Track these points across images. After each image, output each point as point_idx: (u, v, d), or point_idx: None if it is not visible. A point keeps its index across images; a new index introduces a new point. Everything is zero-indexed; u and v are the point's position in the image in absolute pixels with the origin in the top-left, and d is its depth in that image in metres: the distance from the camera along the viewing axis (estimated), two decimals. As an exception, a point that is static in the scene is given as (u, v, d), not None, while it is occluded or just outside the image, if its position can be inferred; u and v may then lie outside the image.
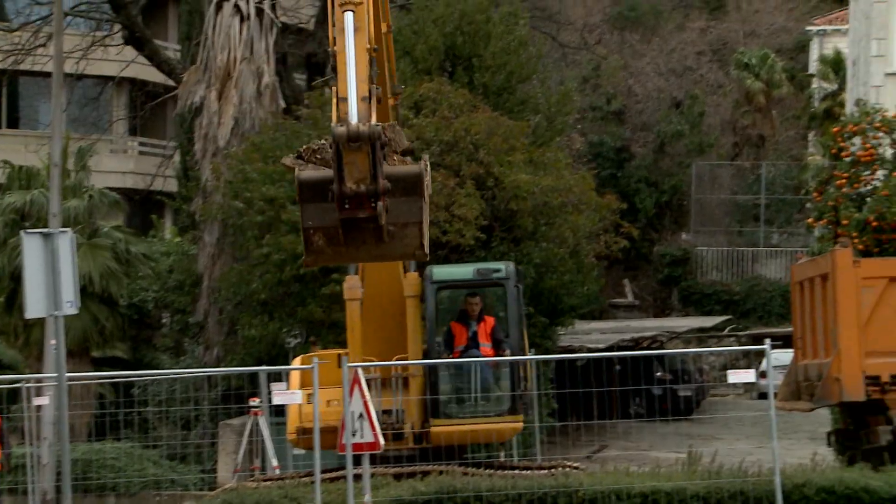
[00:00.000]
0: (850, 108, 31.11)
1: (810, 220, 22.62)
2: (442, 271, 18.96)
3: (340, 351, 17.83)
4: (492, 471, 17.41)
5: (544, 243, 26.02)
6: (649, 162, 47.88)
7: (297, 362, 18.97)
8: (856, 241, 19.48)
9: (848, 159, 20.96)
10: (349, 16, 12.68)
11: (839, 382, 17.32)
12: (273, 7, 30.53)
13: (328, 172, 12.88)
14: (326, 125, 26.83)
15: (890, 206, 19.39)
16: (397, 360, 17.78)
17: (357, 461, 15.21)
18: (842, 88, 45.39)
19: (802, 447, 23.36)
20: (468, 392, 18.30)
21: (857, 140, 21.21)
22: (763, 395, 31.97)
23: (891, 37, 28.84)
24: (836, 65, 48.38)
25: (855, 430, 18.34)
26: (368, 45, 12.88)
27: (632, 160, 47.95)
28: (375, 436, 15.07)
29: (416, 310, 18.09)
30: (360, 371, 15.35)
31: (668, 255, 47.01)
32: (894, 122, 20.69)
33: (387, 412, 17.63)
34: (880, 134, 20.76)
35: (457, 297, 19.29)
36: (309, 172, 13.14)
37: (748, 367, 36.28)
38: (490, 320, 18.65)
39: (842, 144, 21.32)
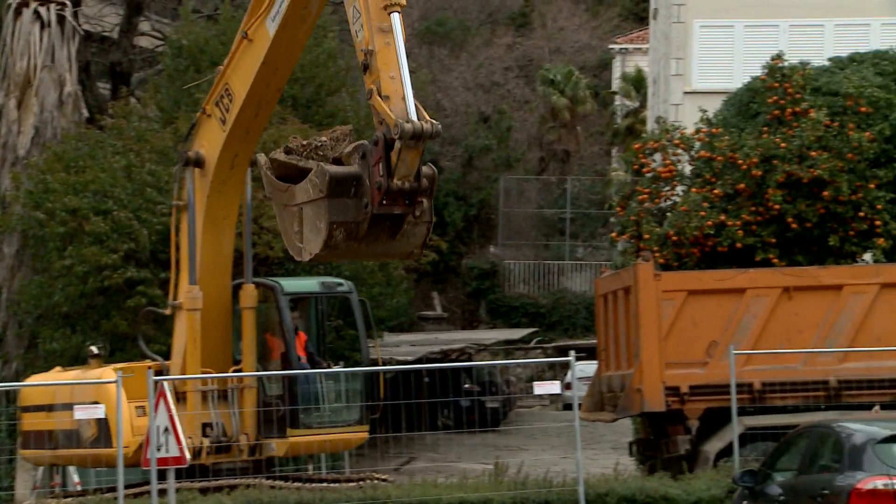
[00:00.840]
0: (650, 125, 31.92)
1: (613, 234, 23.05)
2: (291, 284, 19.06)
3: (150, 363, 17.52)
4: (300, 484, 17.33)
5: (353, 256, 26.01)
6: (458, 176, 48.27)
7: (96, 375, 18.50)
8: (657, 255, 19.92)
9: (649, 175, 21.43)
10: (396, 17, 13.32)
11: (641, 393, 17.65)
12: (75, 15, 29.91)
13: (354, 169, 13.37)
14: (132, 135, 26.48)
15: (689, 222, 19.87)
16: (235, 371, 17.61)
17: (162, 476, 14.96)
18: (643, 106, 46.53)
19: (606, 457, 23.82)
20: (323, 403, 18.37)
21: (657, 156, 21.71)
22: (568, 406, 32.49)
23: (689, 56, 29.69)
24: (637, 83, 49.59)
25: (655, 439, 18.73)
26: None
27: (440, 174, 48.21)
28: (181, 450, 14.84)
29: (252, 321, 17.90)
30: (165, 385, 15.10)
31: (476, 268, 47.45)
32: (693, 139, 21.23)
33: (209, 425, 17.44)
34: (679, 151, 21.27)
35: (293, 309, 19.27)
36: (337, 168, 13.52)
37: (554, 378, 36.82)
38: (303, 335, 18.65)
39: (643, 160, 21.81)
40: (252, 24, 16.18)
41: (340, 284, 19.83)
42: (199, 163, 17.08)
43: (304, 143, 14.56)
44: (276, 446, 17.86)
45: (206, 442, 17.21)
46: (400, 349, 35.28)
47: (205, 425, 17.39)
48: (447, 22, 55.75)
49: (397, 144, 13.10)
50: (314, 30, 29.19)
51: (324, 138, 14.46)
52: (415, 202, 13.40)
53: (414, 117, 13.19)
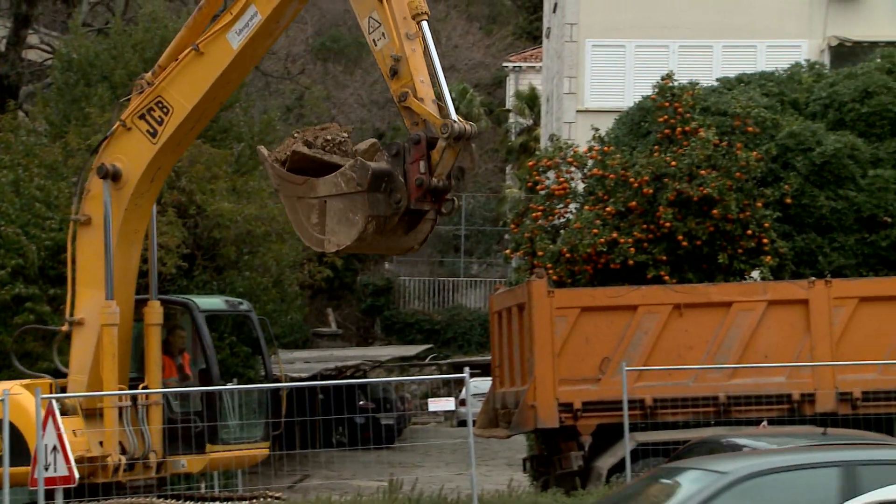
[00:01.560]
0: (544, 142, 32.19)
1: (508, 251, 23.18)
2: (202, 301, 19.04)
3: (49, 380, 17.27)
4: (192, 502, 17.16)
5: (248, 272, 25.85)
6: (352, 192, 48.21)
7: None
8: (550, 271, 20.06)
9: (543, 192, 21.58)
10: (425, 24, 14.30)
11: (534, 409, 17.72)
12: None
13: (387, 166, 14.15)
14: (21, 149, 26.04)
15: (582, 239, 20.04)
16: (156, 386, 17.50)
17: (50, 496, 14.71)
18: (537, 123, 46.93)
19: (500, 473, 23.92)
20: (241, 419, 18.34)
21: (551, 174, 21.88)
22: (462, 423, 32.57)
23: (581, 75, 30.00)
24: (531, 101, 49.99)
25: (549, 455, 18.82)
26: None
27: (336, 191, 48.17)
28: (70, 469, 14.61)
29: (157, 338, 17.74)
30: (53, 402, 14.86)
31: (370, 284, 47.43)
32: (585, 157, 21.43)
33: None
34: (573, 168, 21.46)
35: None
36: (378, 164, 14.21)
37: (448, 395, 36.89)
38: (186, 354, 18.59)
39: (537, 178, 21.96)
40: (207, 38, 16.04)
41: (241, 303, 19.95)
42: (115, 176, 16.85)
43: (328, 138, 14.95)
44: (188, 463, 17.70)
45: (123, 459, 16.99)
46: (294, 366, 35.09)
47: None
48: (342, 38, 55.75)
49: (441, 143, 13.88)
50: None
51: (346, 134, 15.06)
52: (442, 200, 14.21)
53: (455, 117, 13.94)
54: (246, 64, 16.59)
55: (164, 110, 16.41)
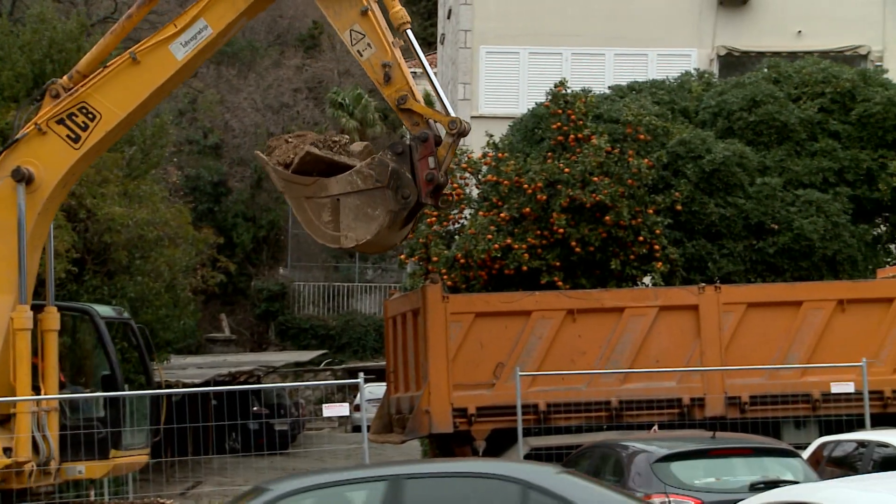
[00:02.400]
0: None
1: (402, 256, 23.20)
2: (101, 309, 19.06)
3: None
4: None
5: (139, 277, 25.61)
6: (247, 197, 47.97)
7: None
8: (445, 277, 20.12)
9: (438, 198, 21.64)
10: (410, 32, 15.35)
11: (429, 415, 17.74)
12: None
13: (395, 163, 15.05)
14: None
15: (476, 244, 20.13)
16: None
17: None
18: (432, 129, 46.99)
19: (394, 478, 23.84)
20: (136, 425, 18.25)
21: (446, 180, 21.93)
22: (357, 428, 32.48)
23: (475, 81, 30.17)
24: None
25: (443, 460, 18.88)
26: None
27: (229, 195, 47.92)
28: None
29: (55, 344, 17.53)
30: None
31: (265, 289, 47.16)
32: (480, 163, 21.54)
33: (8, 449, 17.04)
34: (467, 174, 21.56)
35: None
36: (396, 164, 15.08)
37: (343, 400, 36.83)
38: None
39: (432, 184, 22.01)
40: (145, 47, 15.93)
41: (122, 311, 20.13)
42: (28, 180, 16.63)
43: (335, 139, 15.86)
44: (87, 469, 17.52)
45: (34, 465, 16.75)
46: (187, 372, 34.81)
47: (6, 449, 16.94)
48: (235, 42, 55.31)
49: (447, 140, 15.01)
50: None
51: (345, 135, 16.21)
52: (439, 195, 15.27)
53: (455, 115, 15.17)
54: (185, 74, 16.71)
55: (90, 116, 16.25)
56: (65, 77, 16.56)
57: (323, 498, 9.71)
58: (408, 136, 15.61)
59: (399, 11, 15.36)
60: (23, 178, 16.59)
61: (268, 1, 16.19)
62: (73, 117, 16.27)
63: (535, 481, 9.59)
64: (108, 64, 16.22)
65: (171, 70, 15.92)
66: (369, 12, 15.15)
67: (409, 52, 16.15)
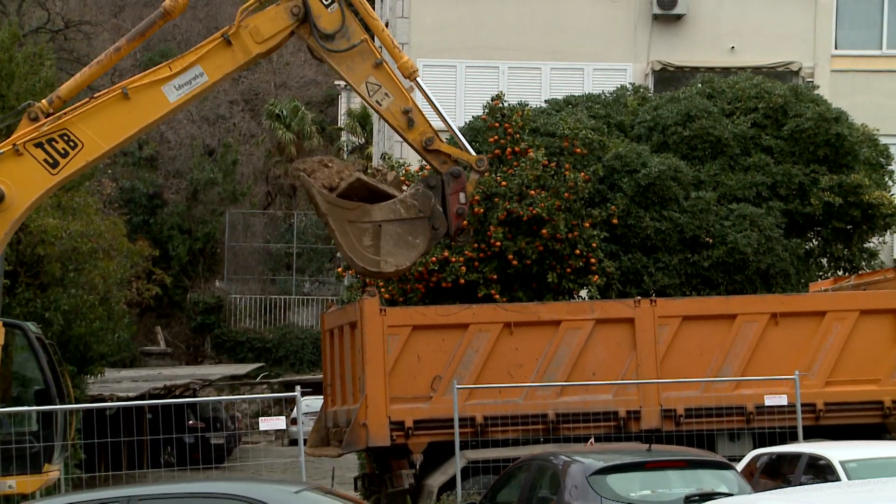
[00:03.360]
0: (376, 161, 32.28)
1: (340, 269, 23.19)
2: (33, 327, 19.10)
3: None
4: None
5: (73, 290, 25.35)
6: (182, 209, 47.69)
7: None
8: (382, 290, 20.13)
9: (375, 211, 21.63)
10: (420, 80, 16.22)
11: (366, 428, 17.71)
12: None
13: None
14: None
15: (414, 257, 20.14)
16: None
17: None
18: (369, 142, 47.01)
19: (331, 491, 23.78)
20: (65, 439, 18.23)
21: (383, 193, 21.94)
22: (294, 442, 32.40)
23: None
24: (363, 119, 50.06)
25: (380, 474, 18.84)
26: None
27: (165, 207, 47.63)
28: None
29: None
30: None
31: (201, 302, 46.89)
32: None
33: None
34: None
35: None
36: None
37: (280, 413, 36.64)
38: None
39: (369, 197, 22.01)
40: (137, 84, 15.99)
41: (34, 325, 20.03)
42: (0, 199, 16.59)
43: (379, 169, 17.04)
44: (17, 484, 17.37)
45: None
46: (122, 385, 34.54)
47: None
48: (171, 53, 55.05)
49: (474, 176, 16.13)
50: (31, 58, 28.56)
51: (388, 167, 17.49)
52: (462, 228, 16.44)
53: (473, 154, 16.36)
54: (173, 115, 16.98)
55: (71, 144, 16.25)
56: (44, 101, 16.56)
57: None
58: (429, 178, 16.37)
59: (408, 62, 16.05)
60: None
61: (267, 54, 16.47)
62: (54, 143, 16.30)
63: (270, 501, 9.77)
64: (96, 95, 16.30)
65: (162, 111, 16.14)
66: (383, 64, 15.88)
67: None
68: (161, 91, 16.01)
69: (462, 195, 16.04)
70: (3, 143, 16.47)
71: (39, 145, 16.29)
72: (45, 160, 16.29)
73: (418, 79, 16.09)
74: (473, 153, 16.28)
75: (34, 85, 28.21)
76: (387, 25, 33.11)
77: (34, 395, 18.28)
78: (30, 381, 18.83)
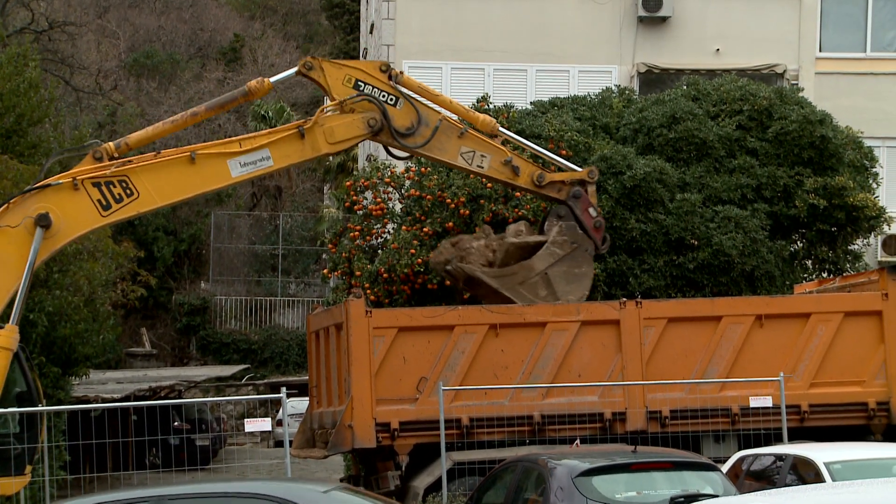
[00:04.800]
0: (362, 163, 32.29)
1: (325, 270, 23.19)
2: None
3: None
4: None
5: (58, 291, 25.28)
6: (167, 210, 47.61)
7: None
8: (368, 291, 20.13)
9: (361, 212, 21.68)
10: (500, 129, 17.54)
11: (352, 430, 17.71)
12: None
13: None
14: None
15: (399, 259, 20.16)
16: None
17: None
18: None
19: (317, 493, 23.75)
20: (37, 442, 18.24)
21: (369, 194, 21.99)
22: (279, 443, 32.40)
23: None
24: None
25: (366, 475, 18.84)
26: None
27: (150, 208, 47.53)
28: None
29: (6, 362, 17.44)
30: None
31: (186, 303, 46.83)
32: (403, 177, 21.60)
33: None
34: (390, 189, 21.61)
35: None
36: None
37: (265, 415, 36.65)
38: None
39: (355, 198, 22.05)
40: (205, 151, 16.16)
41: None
42: (47, 225, 16.67)
43: (522, 229, 18.10)
44: (1, 486, 17.35)
45: None
46: (106, 387, 34.48)
47: None
48: (156, 54, 55.03)
49: (591, 188, 17.19)
50: (15, 58, 28.50)
51: (521, 226, 18.59)
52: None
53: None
54: (230, 186, 17.72)
55: (128, 192, 16.56)
56: (111, 144, 16.83)
57: None
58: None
59: (486, 120, 16.83)
60: (46, 225, 16.63)
61: (333, 154, 17.06)
62: (112, 186, 16.52)
63: (299, 501, 9.84)
64: (163, 152, 16.66)
65: (223, 182, 16.54)
66: (468, 131, 16.63)
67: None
68: (226, 164, 16.40)
69: (591, 209, 17.07)
70: (64, 174, 16.71)
71: (97, 185, 16.59)
72: (99, 200, 16.58)
73: (500, 128, 17.00)
74: (579, 168, 17.09)
75: (18, 86, 28.17)
76: (372, 28, 33.15)
77: (15, 397, 18.24)
78: (10, 384, 18.76)
